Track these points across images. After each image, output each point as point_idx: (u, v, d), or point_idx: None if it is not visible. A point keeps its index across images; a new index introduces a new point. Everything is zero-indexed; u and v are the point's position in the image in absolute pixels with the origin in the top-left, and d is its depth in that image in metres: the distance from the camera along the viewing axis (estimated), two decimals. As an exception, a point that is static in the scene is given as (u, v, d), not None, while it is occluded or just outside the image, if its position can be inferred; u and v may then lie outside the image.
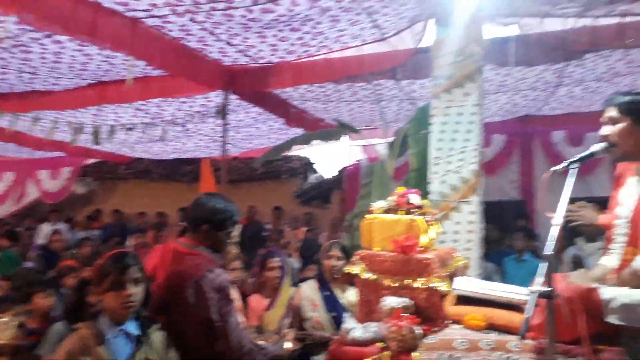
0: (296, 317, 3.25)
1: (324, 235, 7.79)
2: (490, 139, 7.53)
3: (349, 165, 9.05)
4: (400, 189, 2.51)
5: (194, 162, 9.12)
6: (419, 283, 2.13)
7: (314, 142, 5.92)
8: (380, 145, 5.79)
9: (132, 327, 2.01)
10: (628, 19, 3.88)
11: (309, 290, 3.34)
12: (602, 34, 3.89)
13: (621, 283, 1.92)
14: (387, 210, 2.43)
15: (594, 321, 1.79)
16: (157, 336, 2.05)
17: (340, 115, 6.64)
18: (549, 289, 1.63)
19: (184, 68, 4.33)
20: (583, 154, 2.08)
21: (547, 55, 4.41)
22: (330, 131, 6.22)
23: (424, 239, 2.31)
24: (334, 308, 3.17)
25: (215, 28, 4.00)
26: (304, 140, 5.70)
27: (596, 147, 2.09)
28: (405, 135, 4.92)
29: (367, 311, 2.23)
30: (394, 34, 4.47)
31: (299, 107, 6.55)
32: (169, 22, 3.81)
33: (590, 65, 4.81)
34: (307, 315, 3.24)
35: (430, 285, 2.09)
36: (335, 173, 9.47)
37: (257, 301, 3.51)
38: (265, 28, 4.07)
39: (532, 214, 7.26)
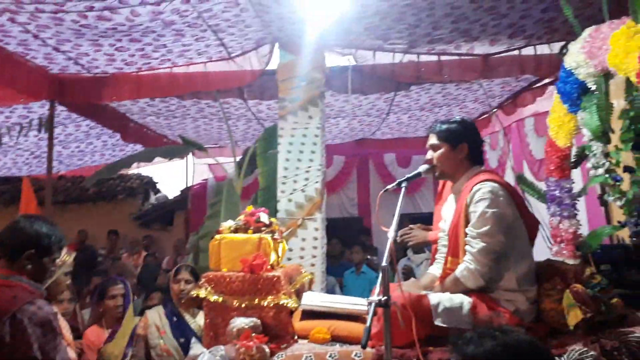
0: (142, 346, 3.06)
1: (167, 259, 7.41)
2: (331, 160, 8.00)
3: (194, 185, 8.79)
4: (249, 208, 2.52)
5: (11, 181, 8.01)
6: (267, 301, 2.15)
7: (156, 159, 5.62)
8: (228, 164, 5.74)
9: None
10: (444, 58, 4.48)
11: (156, 317, 3.18)
12: (424, 69, 4.41)
13: (444, 289, 2.17)
14: (236, 230, 2.41)
15: (425, 325, 1.99)
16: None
17: (185, 132, 6.45)
18: (385, 298, 1.77)
19: (-1, 73, 3.82)
20: (411, 174, 2.35)
21: (379, 85, 4.85)
22: (174, 148, 6.00)
23: (272, 257, 2.35)
24: (183, 334, 3.05)
25: (41, 32, 3.62)
26: (145, 158, 5.40)
27: (421, 168, 2.37)
28: (253, 155, 4.97)
29: (215, 335, 2.17)
30: (240, 54, 4.52)
31: (139, 122, 6.20)
32: (-19, 20, 3.34)
33: (415, 96, 5.42)
34: (153, 342, 3.09)
35: (279, 302, 2.12)
36: (179, 193, 9.11)
37: (96, 334, 3.22)
38: (101, 36, 3.80)
39: (370, 229, 7.86)
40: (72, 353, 2.25)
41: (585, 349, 1.88)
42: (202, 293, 2.16)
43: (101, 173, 5.41)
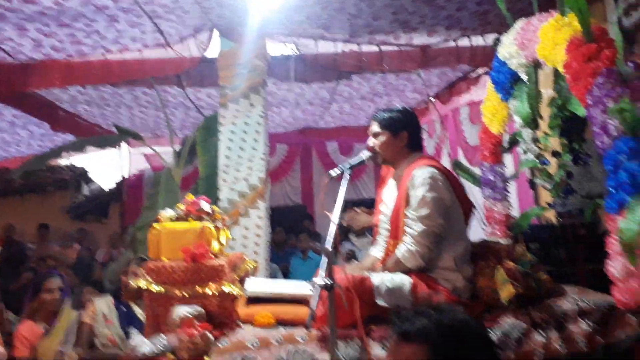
0: (86, 335, 2.98)
1: (102, 252, 7.13)
2: (274, 149, 7.97)
3: (130, 176, 8.48)
4: (190, 197, 2.46)
5: None
6: (210, 290, 2.12)
7: (89, 149, 5.37)
8: (166, 153, 5.57)
9: None
10: (385, 48, 4.56)
11: (104, 306, 3.16)
12: (366, 59, 4.48)
13: (386, 270, 2.23)
14: (177, 219, 2.36)
15: (367, 305, 2.04)
16: None
17: (119, 121, 6.20)
18: (329, 280, 1.79)
19: None
20: (354, 161, 2.38)
21: (321, 74, 4.87)
22: (108, 137, 5.75)
23: (215, 246, 2.31)
24: (132, 324, 3.04)
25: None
26: (77, 147, 5.14)
27: (364, 154, 2.41)
28: (193, 143, 4.85)
29: (156, 325, 2.12)
30: (178, 41, 4.39)
31: (69, 111, 5.89)
32: None
33: (357, 86, 5.49)
34: (99, 331, 3.07)
35: (222, 290, 2.10)
36: (114, 184, 8.75)
37: (30, 329, 3.08)
38: (27, 20, 3.57)
39: (314, 217, 7.92)
40: (1, 349, 2.13)
41: (517, 321, 1.99)
42: (143, 284, 2.10)
43: (29, 164, 5.11)
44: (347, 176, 2.30)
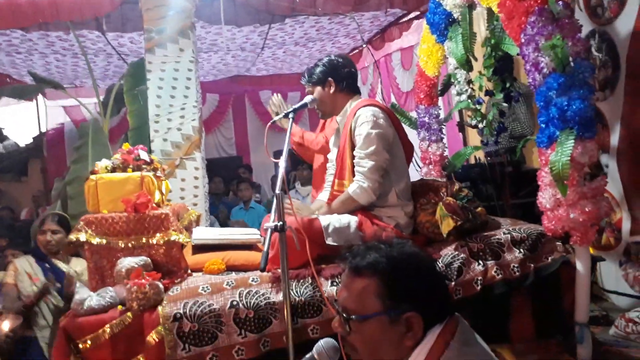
0: (13, 296, 2.85)
1: (25, 211, 6.72)
2: (204, 98, 7.69)
3: (49, 130, 7.92)
4: (126, 146, 2.34)
5: None
6: (155, 239, 2.07)
7: (2, 100, 4.92)
8: (88, 105, 5.23)
9: None
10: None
11: (25, 265, 3.02)
12: (299, 0, 4.34)
13: (333, 210, 2.27)
14: (113, 169, 2.25)
15: (317, 246, 2.08)
16: None
17: (33, 70, 5.68)
18: (281, 223, 1.80)
19: None
20: (297, 105, 2.38)
21: (253, 16, 4.68)
22: (24, 87, 5.29)
23: (156, 196, 2.24)
24: (58, 279, 2.99)
25: None
26: (-12, 99, 4.69)
27: (307, 98, 2.42)
28: (119, 93, 4.57)
29: (101, 278, 2.05)
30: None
31: (-27, 59, 5.34)
32: None
33: (290, 30, 5.34)
34: (26, 291, 2.95)
35: (169, 239, 2.05)
36: (31, 140, 8.12)
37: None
38: None
39: (251, 167, 7.83)
40: None
41: (457, 252, 2.12)
42: (83, 237, 2.00)
43: None
44: (291, 120, 2.31)
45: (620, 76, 2.90)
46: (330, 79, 2.42)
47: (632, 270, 2.98)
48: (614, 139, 2.98)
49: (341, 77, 2.44)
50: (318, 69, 2.45)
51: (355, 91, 2.49)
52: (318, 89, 2.44)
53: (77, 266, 3.09)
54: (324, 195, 2.57)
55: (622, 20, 2.84)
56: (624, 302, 3.01)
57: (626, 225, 2.99)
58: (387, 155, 2.25)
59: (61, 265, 3.05)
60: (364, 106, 2.31)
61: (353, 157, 2.28)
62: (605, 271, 3.07)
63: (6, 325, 2.27)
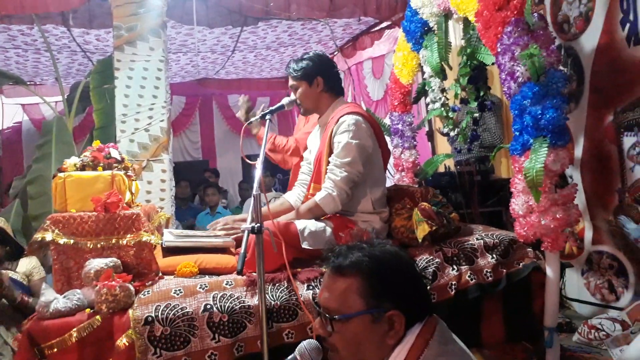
0: None
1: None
2: (171, 100, 7.54)
3: (6, 128, 7.59)
4: (97, 143, 2.26)
5: None
6: (126, 240, 1.99)
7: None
8: (52, 103, 5.04)
9: None
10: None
11: None
12: (273, 4, 4.33)
13: (299, 216, 2.23)
14: (83, 167, 2.15)
15: (292, 249, 2.06)
16: None
17: (-9, 65, 5.46)
18: (257, 225, 1.77)
19: None
20: (274, 107, 2.37)
21: (226, 18, 4.63)
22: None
23: (127, 196, 2.17)
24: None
25: None
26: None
27: (284, 100, 2.39)
28: (84, 90, 4.42)
29: (67, 280, 1.96)
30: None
31: None
32: None
33: (262, 34, 5.32)
34: None
35: (140, 240, 1.98)
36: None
37: None
38: None
39: (218, 171, 7.72)
40: None
41: (431, 257, 2.13)
42: (49, 236, 1.91)
43: None
44: (268, 122, 2.29)
45: (584, 90, 3.02)
46: (319, 77, 2.36)
47: (593, 278, 3.10)
48: (578, 151, 3.09)
49: (330, 76, 2.39)
50: (307, 64, 2.36)
51: (340, 93, 2.45)
52: (304, 85, 2.36)
53: (22, 267, 2.92)
54: (290, 195, 2.55)
55: (587, 36, 2.97)
56: (585, 309, 3.12)
57: (588, 235, 3.11)
58: (361, 168, 2.22)
59: (11, 273, 2.86)
60: (348, 113, 2.26)
61: (328, 162, 2.25)
62: (568, 280, 3.17)
63: None
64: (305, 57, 2.40)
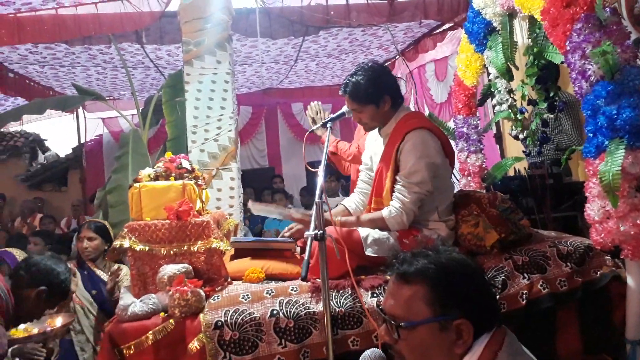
0: None
1: (65, 220, 6.91)
2: (238, 110, 7.79)
3: (88, 141, 8.16)
4: (169, 155, 2.39)
5: None
6: (197, 246, 2.08)
7: (48, 111, 5.10)
8: (127, 117, 5.36)
9: None
10: (352, 1, 4.47)
11: None
12: (334, 12, 4.38)
13: (359, 224, 2.20)
14: (156, 177, 2.28)
15: (356, 256, 2.06)
16: None
17: (75, 83, 5.88)
18: (321, 232, 1.79)
19: None
20: (335, 115, 2.38)
21: (288, 29, 4.74)
22: (68, 98, 5.46)
23: (197, 204, 2.27)
24: (95, 286, 3.04)
25: None
26: (35, 109, 4.85)
27: (344, 108, 2.38)
28: (157, 104, 4.68)
29: (143, 285, 2.08)
30: (138, -6, 4.16)
31: (19, 72, 5.55)
32: None
33: (323, 42, 5.38)
34: None
35: (210, 246, 2.07)
36: (71, 150, 8.39)
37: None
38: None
39: (282, 178, 7.87)
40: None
41: (501, 264, 2.06)
42: (126, 243, 2.04)
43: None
44: (329, 130, 2.32)
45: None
46: (387, 95, 2.26)
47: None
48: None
49: (394, 90, 2.30)
50: (370, 87, 2.23)
51: (402, 101, 2.37)
52: (371, 108, 2.26)
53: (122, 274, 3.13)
54: (349, 200, 2.54)
55: (669, 28, 2.76)
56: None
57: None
58: (431, 188, 2.15)
59: (99, 272, 3.10)
60: (415, 129, 2.18)
61: (394, 180, 2.20)
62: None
63: (59, 322, 2.36)
64: (365, 78, 2.23)
